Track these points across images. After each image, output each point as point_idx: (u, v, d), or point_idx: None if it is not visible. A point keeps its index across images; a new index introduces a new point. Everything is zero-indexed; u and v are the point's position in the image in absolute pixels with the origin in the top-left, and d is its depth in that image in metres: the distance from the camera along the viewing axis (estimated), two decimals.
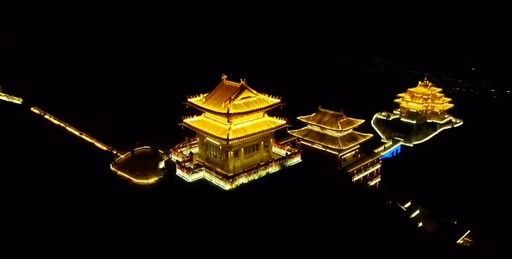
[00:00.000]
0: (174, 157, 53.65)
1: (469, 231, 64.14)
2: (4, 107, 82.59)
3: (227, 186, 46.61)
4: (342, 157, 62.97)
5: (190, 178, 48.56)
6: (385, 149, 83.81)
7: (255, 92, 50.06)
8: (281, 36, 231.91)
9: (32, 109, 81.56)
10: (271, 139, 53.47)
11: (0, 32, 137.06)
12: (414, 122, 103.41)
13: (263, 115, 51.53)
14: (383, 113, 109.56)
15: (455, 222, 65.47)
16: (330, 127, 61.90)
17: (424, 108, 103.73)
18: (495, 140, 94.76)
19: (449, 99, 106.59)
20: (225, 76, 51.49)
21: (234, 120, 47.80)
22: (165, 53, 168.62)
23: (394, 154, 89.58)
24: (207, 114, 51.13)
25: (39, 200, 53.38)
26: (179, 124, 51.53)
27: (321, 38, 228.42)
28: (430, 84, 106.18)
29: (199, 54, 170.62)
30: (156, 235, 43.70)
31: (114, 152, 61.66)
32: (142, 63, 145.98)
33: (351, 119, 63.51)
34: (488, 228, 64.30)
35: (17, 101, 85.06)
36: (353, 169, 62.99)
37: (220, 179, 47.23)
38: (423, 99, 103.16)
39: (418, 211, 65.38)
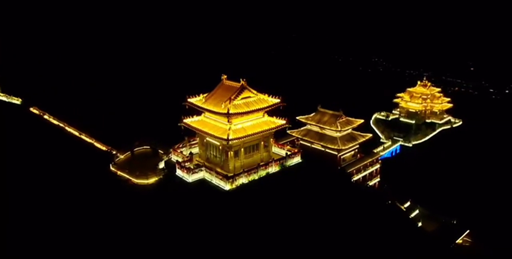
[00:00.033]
0: (174, 157, 53.62)
1: (468, 231, 64.29)
2: (3, 107, 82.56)
3: (227, 186, 46.63)
4: (342, 157, 63.01)
5: (190, 178, 48.56)
6: (384, 149, 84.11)
7: (255, 92, 50.07)
8: (280, 36, 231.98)
9: (31, 109, 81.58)
10: (271, 139, 53.50)
11: None
12: (413, 122, 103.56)
13: (263, 115, 51.54)
14: (382, 113, 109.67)
15: (455, 222, 65.63)
16: (330, 127, 61.93)
17: (423, 108, 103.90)
18: (494, 140, 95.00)
19: (448, 99, 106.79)
20: (225, 76, 51.45)
21: (234, 120, 47.80)
22: (165, 53, 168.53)
23: (393, 154, 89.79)
24: (207, 114, 51.13)
25: (39, 200, 53.37)
26: (179, 124, 51.48)
27: (320, 38, 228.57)
28: (429, 84, 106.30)
29: (199, 54, 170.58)
30: (156, 235, 43.70)
31: (114, 152, 61.66)
32: (142, 63, 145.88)
33: (350, 119, 63.54)
34: (487, 228, 64.46)
35: (16, 101, 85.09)
36: (353, 169, 63.02)
37: (220, 179, 47.23)
38: (422, 99, 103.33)
39: (417, 211, 65.50)
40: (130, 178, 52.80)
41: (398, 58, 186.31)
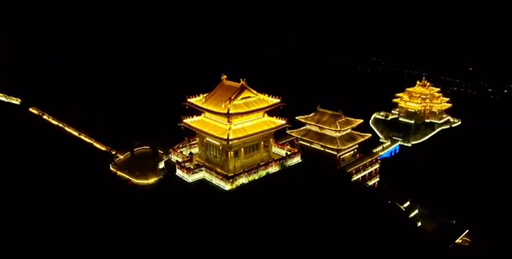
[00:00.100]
0: (174, 157, 53.63)
1: (467, 231, 64.50)
2: (2, 108, 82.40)
3: (227, 186, 46.65)
4: (341, 157, 63.10)
5: (190, 178, 48.58)
6: (383, 149, 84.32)
7: (255, 92, 50.10)
8: (279, 36, 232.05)
9: (30, 109, 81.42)
10: (271, 139, 53.55)
11: None
12: (413, 122, 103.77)
13: (263, 115, 51.57)
14: (381, 113, 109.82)
15: (454, 222, 65.85)
16: (329, 127, 62.00)
17: (422, 108, 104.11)
18: (493, 139, 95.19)
19: (447, 99, 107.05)
20: (225, 76, 51.47)
21: (234, 120, 47.83)
22: (165, 53, 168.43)
23: (393, 153, 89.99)
24: (207, 114, 51.15)
25: (39, 201, 53.29)
26: (179, 124, 51.47)
27: (319, 38, 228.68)
28: (428, 84, 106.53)
29: (199, 54, 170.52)
30: (156, 235, 43.70)
31: (113, 152, 61.63)
32: (142, 63, 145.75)
33: (350, 119, 63.61)
34: (486, 228, 64.64)
35: (16, 101, 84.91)
36: (352, 169, 63.09)
37: (220, 179, 47.26)
38: (421, 99, 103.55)
39: (416, 211, 65.68)
40: (130, 178, 52.78)
41: (397, 58, 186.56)
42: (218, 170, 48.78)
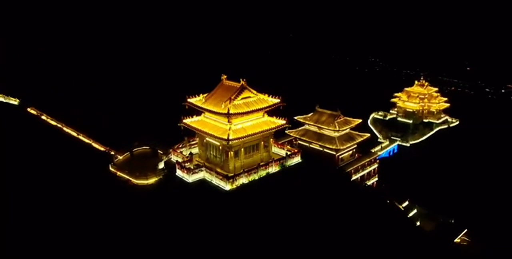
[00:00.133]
0: (174, 158, 53.64)
1: (466, 230, 64.70)
2: (1, 108, 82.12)
3: (227, 186, 46.71)
4: (340, 156, 63.21)
5: (190, 178, 48.60)
6: (382, 148, 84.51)
7: (255, 92, 50.17)
8: (278, 36, 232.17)
9: (29, 109, 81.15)
10: (271, 139, 53.63)
11: None
12: (411, 121, 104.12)
13: (263, 115, 51.66)
14: (380, 113, 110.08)
15: (452, 221, 66.05)
16: (328, 127, 62.08)
17: (421, 108, 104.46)
18: (491, 139, 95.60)
19: (445, 99, 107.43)
20: (225, 76, 51.52)
21: (234, 120, 47.88)
22: (165, 53, 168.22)
23: (391, 153, 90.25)
24: (207, 114, 51.18)
25: (38, 201, 53.17)
26: (178, 124, 51.49)
27: (317, 38, 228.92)
28: (426, 83, 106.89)
29: (199, 54, 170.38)
30: (156, 235, 43.72)
31: (112, 152, 61.51)
32: (141, 63, 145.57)
33: (348, 118, 63.72)
34: (485, 227, 64.88)
35: (14, 101, 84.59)
36: (351, 168, 63.15)
37: (221, 179, 47.30)
38: (420, 99, 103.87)
39: (415, 210, 65.90)
40: (130, 178, 52.73)
41: (395, 58, 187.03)
42: (218, 170, 48.82)
